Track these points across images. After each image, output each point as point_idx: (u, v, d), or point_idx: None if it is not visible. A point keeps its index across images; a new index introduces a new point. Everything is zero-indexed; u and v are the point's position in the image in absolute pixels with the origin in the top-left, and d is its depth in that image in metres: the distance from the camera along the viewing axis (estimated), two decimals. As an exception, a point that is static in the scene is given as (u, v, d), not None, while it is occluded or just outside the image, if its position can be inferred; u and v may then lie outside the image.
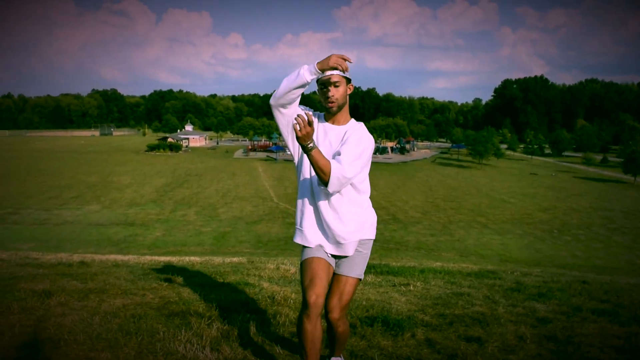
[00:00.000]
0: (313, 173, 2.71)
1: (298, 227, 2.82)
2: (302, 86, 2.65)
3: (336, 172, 2.51)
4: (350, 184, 2.71)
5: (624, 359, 3.31)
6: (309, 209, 2.78)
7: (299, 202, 2.83)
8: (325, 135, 2.77)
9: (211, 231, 29.39)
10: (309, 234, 2.77)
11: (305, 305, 2.60)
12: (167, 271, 5.46)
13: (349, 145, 2.65)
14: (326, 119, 2.81)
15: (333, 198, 2.71)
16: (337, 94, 2.68)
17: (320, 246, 2.76)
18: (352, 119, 2.84)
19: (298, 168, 2.86)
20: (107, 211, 35.03)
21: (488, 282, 5.88)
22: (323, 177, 2.53)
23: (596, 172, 74.79)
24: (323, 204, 2.73)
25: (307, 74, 2.62)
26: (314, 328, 2.58)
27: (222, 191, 44.44)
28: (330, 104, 2.71)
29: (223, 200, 40.42)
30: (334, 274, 2.81)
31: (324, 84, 2.68)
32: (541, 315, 4.29)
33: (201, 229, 30.02)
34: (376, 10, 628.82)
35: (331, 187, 2.55)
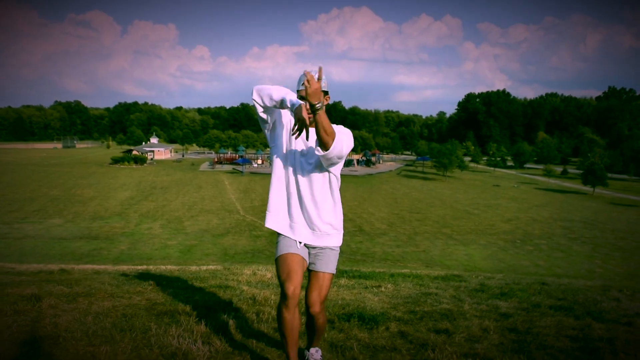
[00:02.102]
0: (296, 159, 2.95)
1: (271, 212, 3.01)
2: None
3: (340, 138, 2.76)
4: (333, 174, 2.97)
5: (577, 346, 3.65)
6: (284, 196, 3.00)
7: (275, 188, 3.01)
8: (303, 139, 2.99)
9: (177, 244, 29.20)
10: (282, 219, 3.00)
11: (284, 296, 2.82)
12: (148, 277, 5.64)
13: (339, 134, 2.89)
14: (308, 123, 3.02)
15: (315, 186, 2.94)
16: None
17: (294, 240, 2.97)
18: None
19: (276, 154, 3.04)
20: (71, 225, 34.46)
21: (454, 284, 6.23)
22: (326, 139, 2.69)
23: (557, 184, 76.77)
24: (304, 191, 2.95)
25: (289, 105, 2.84)
26: (292, 317, 2.83)
27: (188, 204, 44.16)
28: (309, 115, 2.87)
29: (189, 213, 40.16)
30: (311, 271, 3.03)
31: (303, 97, 2.86)
32: (503, 311, 4.64)
33: (167, 242, 29.80)
34: (342, 25, 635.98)
35: (332, 152, 2.74)
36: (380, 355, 3.33)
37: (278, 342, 3.49)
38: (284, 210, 3.02)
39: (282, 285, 2.86)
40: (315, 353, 3.14)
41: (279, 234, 3.05)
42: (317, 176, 2.96)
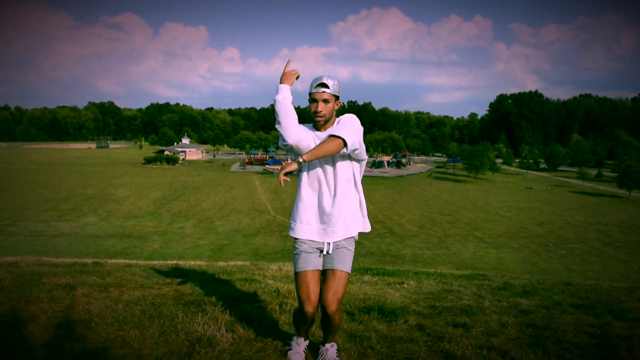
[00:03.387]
0: (316, 169, 3.10)
1: (296, 221, 3.16)
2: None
3: (345, 133, 2.90)
4: (354, 175, 3.12)
5: (594, 342, 3.68)
6: (312, 195, 3.13)
7: (302, 192, 3.15)
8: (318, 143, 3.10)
9: (208, 244, 29.62)
10: (306, 224, 3.12)
11: (302, 313, 3.07)
12: (177, 271, 5.84)
13: (342, 122, 3.09)
14: (317, 128, 3.16)
15: (339, 186, 3.07)
16: (325, 109, 3.06)
17: (313, 251, 3.10)
18: (337, 119, 3.21)
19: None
20: (105, 223, 35.23)
21: (477, 282, 6.27)
22: (332, 148, 2.86)
23: (591, 187, 75.29)
24: (330, 186, 3.09)
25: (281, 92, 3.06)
26: (307, 324, 3.16)
27: (219, 204, 44.70)
28: (318, 118, 3.08)
29: (220, 213, 40.66)
30: (326, 270, 3.12)
31: (314, 100, 3.07)
32: (523, 308, 4.68)
33: (198, 241, 30.25)
34: (371, 26, 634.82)
35: (349, 141, 2.89)
36: (397, 345, 3.42)
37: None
38: (311, 211, 3.13)
39: (301, 303, 3.07)
40: (330, 348, 3.21)
41: (296, 241, 3.16)
42: (342, 170, 3.08)
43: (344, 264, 3.10)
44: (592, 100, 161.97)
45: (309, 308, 3.02)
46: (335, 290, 3.05)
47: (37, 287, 4.55)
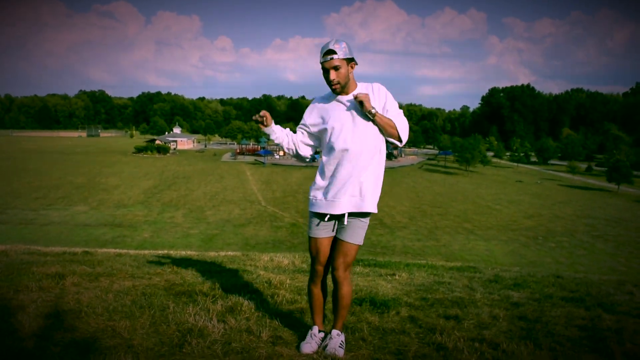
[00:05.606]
0: (346, 144, 3.05)
1: (320, 198, 3.15)
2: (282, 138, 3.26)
3: (400, 124, 3.08)
4: (380, 150, 3.14)
5: (584, 335, 3.70)
6: (333, 166, 3.12)
7: (325, 169, 3.16)
8: (343, 108, 3.11)
9: (199, 233, 29.62)
10: (323, 194, 3.14)
11: (312, 272, 3.26)
12: (168, 260, 5.80)
13: (388, 102, 3.14)
14: (337, 93, 3.12)
15: (365, 156, 3.07)
16: (338, 76, 3.00)
17: (328, 220, 3.14)
18: (359, 84, 3.18)
19: (328, 138, 3.14)
20: (95, 212, 35.12)
21: (469, 274, 6.28)
22: (393, 132, 3.07)
23: (581, 181, 75.83)
24: (354, 159, 3.05)
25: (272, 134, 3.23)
26: (319, 291, 3.29)
27: (210, 194, 44.65)
28: (333, 87, 3.05)
29: (211, 203, 40.62)
30: (338, 239, 3.15)
31: (326, 69, 3.01)
32: (515, 301, 4.70)
33: (189, 231, 30.24)
34: (365, 18, 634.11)
35: (404, 137, 3.11)
36: (389, 337, 3.42)
37: (290, 321, 3.60)
38: (331, 180, 3.12)
39: (312, 263, 3.26)
40: (336, 337, 3.17)
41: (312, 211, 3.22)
42: (369, 146, 3.08)
43: (354, 236, 3.14)
44: (583, 95, 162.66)
45: (318, 266, 3.21)
46: (344, 257, 3.14)
47: (27, 276, 4.51)
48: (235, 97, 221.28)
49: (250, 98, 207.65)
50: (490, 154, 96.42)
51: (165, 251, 7.77)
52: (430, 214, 39.89)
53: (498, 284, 5.64)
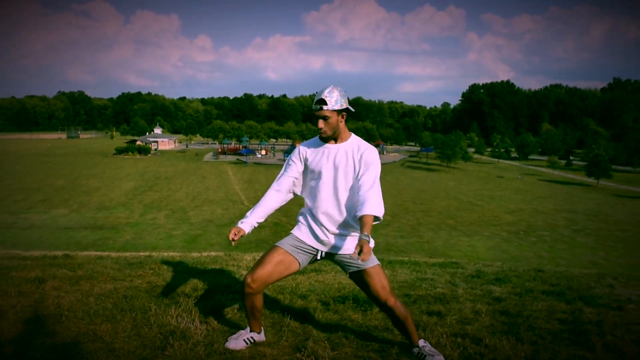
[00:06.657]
0: (322, 193, 3.09)
1: (302, 223, 3.19)
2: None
3: (372, 200, 2.97)
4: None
5: (566, 328, 3.75)
6: (312, 214, 3.15)
7: (307, 201, 3.21)
8: (328, 157, 3.10)
9: (182, 234, 29.40)
10: (307, 231, 3.15)
11: (244, 282, 3.04)
12: (150, 262, 5.75)
13: (367, 173, 3.12)
14: (326, 141, 3.13)
15: (342, 195, 3.09)
16: (325, 126, 3.01)
17: (307, 246, 3.11)
18: (352, 135, 3.18)
19: (310, 179, 3.19)
20: (76, 215, 34.70)
21: (451, 270, 6.33)
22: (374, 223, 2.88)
23: (561, 175, 76.68)
24: (334, 198, 3.08)
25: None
26: (251, 302, 3.06)
27: (192, 194, 44.35)
28: (321, 134, 3.06)
29: (193, 203, 40.35)
30: (361, 271, 3.05)
31: (315, 117, 3.02)
32: (496, 296, 4.75)
33: (171, 232, 30.00)
34: (345, 16, 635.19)
35: (380, 214, 2.93)
36: (372, 334, 3.44)
37: (272, 322, 3.61)
38: (311, 225, 3.14)
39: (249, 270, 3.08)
40: (425, 345, 3.12)
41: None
42: (345, 187, 3.10)
43: (370, 260, 3.04)
44: (562, 91, 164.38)
45: (248, 277, 3.01)
46: (382, 285, 3.02)
47: (5, 281, 4.45)
48: (216, 96, 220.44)
49: (231, 97, 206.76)
50: (471, 150, 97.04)
51: (148, 253, 7.71)
52: (413, 210, 40.02)
53: (480, 279, 5.68)
